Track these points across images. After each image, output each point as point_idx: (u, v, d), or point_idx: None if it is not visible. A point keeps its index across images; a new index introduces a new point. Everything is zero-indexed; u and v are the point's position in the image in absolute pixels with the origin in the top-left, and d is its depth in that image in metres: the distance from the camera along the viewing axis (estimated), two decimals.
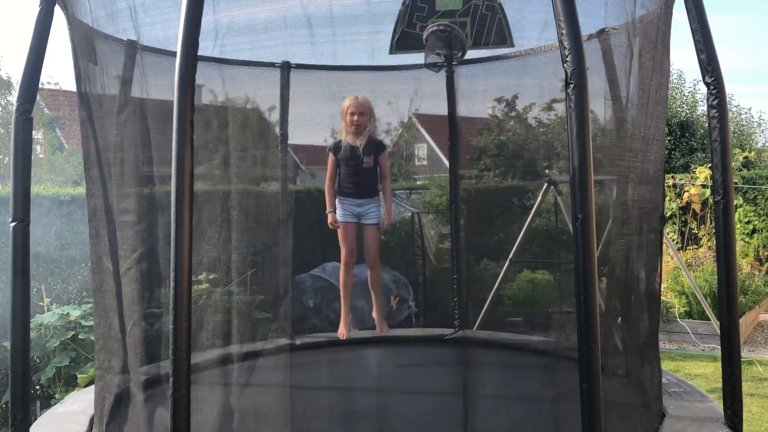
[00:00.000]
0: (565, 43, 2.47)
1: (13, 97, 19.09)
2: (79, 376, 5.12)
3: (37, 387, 5.48)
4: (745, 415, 4.85)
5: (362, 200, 4.28)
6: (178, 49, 2.40)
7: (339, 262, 7.69)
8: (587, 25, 3.17)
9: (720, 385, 3.51)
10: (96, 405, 3.55)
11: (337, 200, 4.38)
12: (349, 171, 4.28)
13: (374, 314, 4.30)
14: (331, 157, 4.39)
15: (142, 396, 3.50)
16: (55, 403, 4.53)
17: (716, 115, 3.31)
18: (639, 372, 3.67)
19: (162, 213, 3.73)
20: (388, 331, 4.21)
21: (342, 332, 4.20)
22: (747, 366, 6.90)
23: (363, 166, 4.26)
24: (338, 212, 4.35)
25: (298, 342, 5.39)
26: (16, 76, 22.64)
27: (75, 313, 5.50)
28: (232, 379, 4.09)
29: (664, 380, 4.13)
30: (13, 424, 3.20)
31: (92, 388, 4.11)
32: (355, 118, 4.25)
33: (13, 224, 3.13)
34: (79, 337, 5.39)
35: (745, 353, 7.48)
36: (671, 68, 17.90)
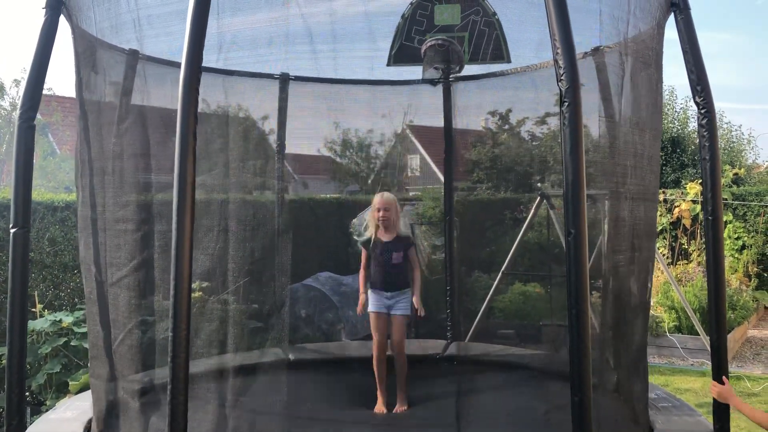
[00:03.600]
0: (560, 62, 2.53)
1: (6, 102, 19.06)
2: (70, 382, 5.11)
3: (28, 393, 5.46)
4: (733, 430, 4.90)
5: (392, 293, 4.47)
6: (183, 62, 2.45)
7: (331, 272, 7.77)
8: (581, 43, 3.23)
9: (709, 399, 3.55)
10: (93, 411, 3.56)
11: (368, 291, 4.60)
12: (379, 267, 4.50)
13: (398, 394, 4.42)
14: (363, 252, 4.63)
15: (136, 404, 3.51)
16: (46, 410, 4.53)
17: (706, 134, 3.39)
18: (629, 386, 3.71)
19: (158, 222, 3.77)
20: (403, 410, 4.33)
21: (380, 410, 4.34)
22: (735, 381, 6.96)
23: (392, 263, 4.47)
24: (370, 302, 4.56)
25: (291, 354, 5.41)
26: (8, 81, 22.63)
27: (67, 319, 5.49)
28: (225, 387, 4.11)
29: (653, 395, 4.18)
30: (8, 429, 3.21)
31: (85, 395, 4.13)
32: (381, 214, 4.48)
33: (13, 230, 3.15)
34: (71, 343, 5.38)
35: (734, 369, 7.54)
36: (663, 85, 18.10)
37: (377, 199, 4.56)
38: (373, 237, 4.56)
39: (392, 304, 4.47)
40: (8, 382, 3.24)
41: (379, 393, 4.39)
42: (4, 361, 5.12)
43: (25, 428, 3.41)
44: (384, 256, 4.49)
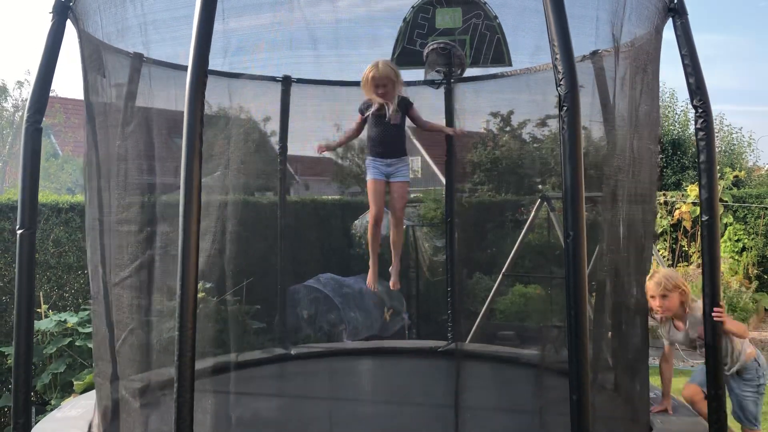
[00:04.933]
0: (559, 67, 2.57)
1: (8, 104, 19.13)
2: (75, 382, 5.15)
3: (33, 393, 5.51)
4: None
5: (391, 160, 4.28)
6: (189, 65, 2.49)
7: (333, 273, 7.81)
8: (578, 47, 3.28)
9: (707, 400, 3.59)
10: (97, 410, 3.60)
11: (366, 160, 4.41)
12: (377, 130, 4.26)
13: (391, 270, 4.36)
14: (359, 117, 4.39)
15: (138, 403, 3.55)
16: (51, 409, 4.57)
17: (704, 137, 3.44)
18: (628, 386, 3.75)
19: (162, 223, 3.81)
20: (398, 287, 4.33)
21: (370, 283, 4.31)
22: None
23: (390, 123, 4.23)
24: (368, 171, 4.36)
25: (293, 352, 5.46)
26: (11, 83, 22.68)
27: (72, 319, 5.54)
28: (227, 386, 4.15)
29: (652, 395, 4.21)
30: (15, 428, 3.25)
31: (89, 394, 4.17)
32: (380, 91, 4.22)
33: (20, 232, 3.20)
34: (76, 343, 5.42)
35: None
36: (664, 87, 18.13)
37: (371, 72, 4.22)
38: (367, 101, 4.32)
39: (392, 172, 4.28)
40: (15, 381, 3.28)
41: (371, 265, 4.34)
42: (10, 361, 5.19)
43: (32, 427, 3.45)
44: (382, 117, 4.24)
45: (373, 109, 4.24)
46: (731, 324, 3.70)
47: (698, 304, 3.76)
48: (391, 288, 4.32)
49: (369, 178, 4.33)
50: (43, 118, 3.35)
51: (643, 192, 3.57)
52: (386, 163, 4.28)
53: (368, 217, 4.49)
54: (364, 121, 4.36)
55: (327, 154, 7.63)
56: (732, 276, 10.34)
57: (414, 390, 4.59)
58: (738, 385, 3.88)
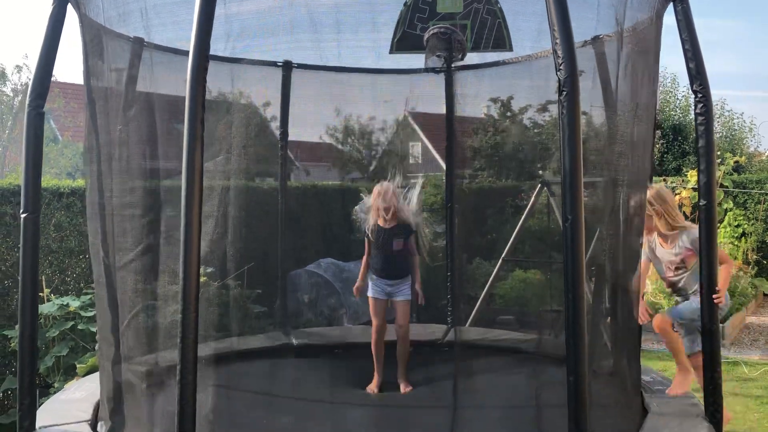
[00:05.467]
0: (559, 52, 2.59)
1: (7, 88, 19.06)
2: (78, 365, 5.20)
3: (36, 376, 5.56)
4: (729, 413, 4.99)
5: (393, 281, 4.50)
6: (191, 50, 2.51)
7: (333, 258, 7.84)
8: (579, 33, 3.28)
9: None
10: (100, 392, 3.65)
11: (369, 278, 4.62)
12: (380, 254, 4.51)
13: (399, 380, 4.46)
14: (366, 241, 4.64)
15: (143, 385, 3.59)
16: (54, 392, 4.62)
17: (703, 122, 3.46)
18: (624, 370, 3.79)
19: (165, 207, 3.83)
20: (410, 391, 4.37)
21: (372, 389, 4.39)
22: (732, 366, 7.04)
23: (393, 249, 4.48)
24: (370, 288, 4.57)
25: (294, 336, 5.50)
26: (10, 67, 22.61)
27: (74, 303, 5.58)
28: (229, 369, 4.20)
29: (649, 378, 4.26)
30: (20, 409, 3.30)
31: (93, 377, 4.22)
32: (381, 213, 4.49)
33: (24, 215, 3.23)
34: (78, 327, 5.47)
35: (732, 354, 7.63)
36: (666, 72, 18.07)
37: (375, 191, 4.55)
38: (374, 224, 4.56)
39: (393, 291, 4.49)
40: (20, 363, 3.32)
41: (375, 373, 4.44)
42: (13, 344, 5.23)
43: (36, 408, 3.50)
44: (385, 244, 4.48)
45: (376, 236, 4.49)
46: (721, 252, 3.78)
47: (693, 230, 3.83)
48: (403, 392, 4.37)
49: (370, 295, 4.54)
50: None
51: (641, 175, 3.60)
52: (388, 284, 4.49)
53: (371, 331, 4.56)
54: (371, 244, 4.60)
55: (327, 140, 7.65)
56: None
57: (414, 374, 4.63)
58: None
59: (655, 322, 4.08)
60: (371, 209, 4.57)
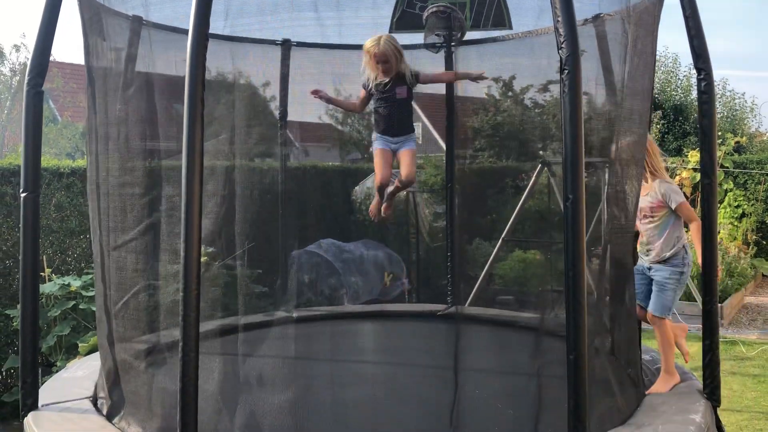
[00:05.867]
0: (561, 30, 2.57)
1: (5, 68, 18.96)
2: (80, 344, 5.24)
3: (39, 355, 5.59)
4: (726, 392, 5.05)
5: (398, 138, 4.21)
6: (190, 28, 2.49)
7: (334, 239, 7.85)
8: (581, 10, 3.26)
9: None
10: (101, 371, 3.67)
11: (373, 134, 4.34)
12: (383, 107, 4.17)
13: (388, 190, 4.34)
14: (362, 91, 4.31)
15: (143, 363, 3.62)
16: (57, 371, 4.65)
17: (706, 99, 3.46)
18: (624, 348, 3.81)
19: (164, 186, 3.83)
20: (389, 213, 4.33)
21: (373, 211, 4.35)
22: (730, 346, 7.10)
23: (396, 98, 4.13)
24: (374, 143, 4.29)
25: (295, 315, 5.53)
26: (8, 46, 22.45)
27: (75, 283, 5.60)
28: (230, 348, 4.22)
29: (648, 357, 4.29)
30: (23, 387, 3.32)
31: (95, 355, 4.24)
32: (381, 67, 4.11)
33: (24, 195, 3.23)
34: (80, 306, 5.50)
35: (730, 334, 7.68)
36: (667, 52, 17.98)
37: (372, 46, 4.09)
38: (373, 78, 4.20)
39: (399, 146, 4.23)
40: (22, 341, 3.35)
41: (376, 197, 4.40)
42: (15, 324, 5.26)
43: (39, 386, 3.52)
44: (387, 93, 4.14)
45: (376, 83, 4.14)
46: (687, 208, 3.87)
47: (670, 184, 3.92)
48: (383, 214, 4.32)
49: (376, 147, 4.26)
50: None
51: (638, 154, 3.60)
52: (393, 141, 4.24)
53: (373, 182, 4.42)
54: (368, 98, 4.29)
55: (327, 120, 7.61)
56: (731, 242, 10.40)
57: (415, 351, 4.67)
58: (662, 272, 3.94)
59: (648, 316, 4.07)
60: (367, 64, 4.18)
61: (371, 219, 4.56)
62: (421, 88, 6.61)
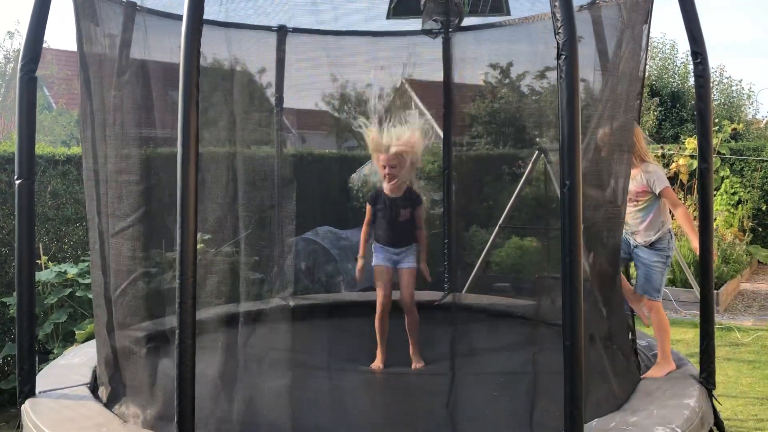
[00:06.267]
0: (558, 15, 2.55)
1: (0, 55, 18.82)
2: (76, 332, 5.24)
3: (35, 342, 5.59)
4: (721, 378, 5.08)
5: (399, 249, 4.22)
6: (185, 13, 2.47)
7: (331, 226, 7.85)
8: None
9: (698, 349, 3.68)
10: (98, 358, 3.68)
11: (373, 245, 4.31)
12: (386, 223, 4.19)
13: (411, 354, 4.22)
14: (368, 207, 4.31)
15: (141, 350, 3.62)
16: (54, 358, 4.66)
17: (702, 83, 3.48)
18: (620, 335, 3.83)
19: (160, 174, 3.82)
20: (421, 367, 4.15)
21: (378, 366, 4.14)
22: (726, 332, 7.13)
23: (400, 220, 4.18)
24: (375, 257, 4.29)
25: (292, 302, 5.54)
26: (1, 33, 22.23)
27: (72, 270, 5.59)
28: (227, 335, 4.22)
29: (644, 343, 4.31)
30: (20, 375, 3.32)
31: (91, 343, 4.24)
32: (387, 171, 4.06)
33: (18, 182, 3.21)
34: (76, 294, 5.49)
35: (725, 320, 7.72)
36: (665, 38, 17.90)
37: (377, 147, 4.05)
38: (381, 194, 4.22)
39: (399, 259, 4.22)
40: (18, 328, 3.34)
41: (378, 350, 4.20)
42: (12, 311, 5.26)
43: (36, 373, 3.53)
44: (391, 213, 4.17)
45: (381, 204, 4.16)
46: (671, 193, 3.93)
47: (655, 168, 3.95)
48: (414, 368, 4.16)
49: (376, 263, 4.24)
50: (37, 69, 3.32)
51: (629, 141, 3.61)
52: (394, 252, 4.21)
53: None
54: (374, 212, 4.27)
55: (324, 107, 7.58)
56: (727, 229, 10.43)
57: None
58: (649, 255, 3.98)
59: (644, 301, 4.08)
60: (373, 150, 4.09)
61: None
62: (417, 75, 6.61)
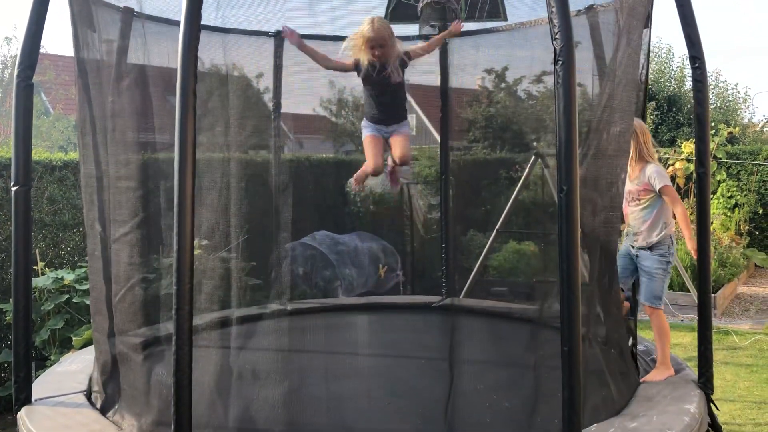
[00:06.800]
0: (555, 21, 2.56)
1: None
2: (73, 338, 5.22)
3: (32, 349, 5.57)
4: (719, 382, 5.08)
5: (392, 126, 3.90)
6: (182, 19, 2.47)
7: (328, 231, 7.85)
8: (575, 1, 3.25)
9: (696, 353, 3.68)
10: (95, 365, 3.66)
11: (363, 121, 3.99)
12: (375, 94, 3.83)
13: (389, 168, 4.02)
14: (348, 61, 3.89)
15: (138, 357, 3.61)
16: (51, 365, 4.64)
17: (700, 88, 3.49)
18: (618, 339, 3.83)
19: (160, 179, 3.81)
20: (397, 185, 4.03)
21: (357, 179, 3.95)
22: (723, 336, 7.13)
23: (391, 83, 3.79)
24: (364, 130, 3.96)
25: (289, 307, 5.53)
26: None
27: (69, 276, 5.57)
28: (225, 341, 4.21)
29: (642, 347, 4.31)
30: (16, 382, 3.31)
31: (88, 349, 4.23)
32: (377, 52, 3.72)
33: (15, 188, 3.20)
34: (73, 300, 5.47)
35: (723, 323, 7.72)
36: (661, 43, 17.96)
37: (367, 30, 3.73)
38: (363, 61, 3.82)
39: (391, 132, 3.93)
40: (15, 335, 3.33)
41: (362, 169, 4.00)
42: (9, 318, 5.24)
43: (32, 381, 3.51)
44: (381, 77, 3.77)
45: (366, 71, 3.80)
46: (671, 191, 3.91)
47: (657, 166, 3.95)
48: (391, 182, 4.01)
49: (366, 134, 3.95)
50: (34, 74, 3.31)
51: (624, 144, 3.62)
52: (385, 130, 3.95)
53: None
54: (349, 69, 3.92)
55: (321, 112, 7.58)
56: (724, 232, 10.44)
57: (410, 343, 4.67)
58: (650, 263, 3.98)
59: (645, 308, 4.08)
60: (354, 47, 3.82)
61: (353, 191, 4.26)
62: (414, 80, 6.62)
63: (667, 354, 3.91)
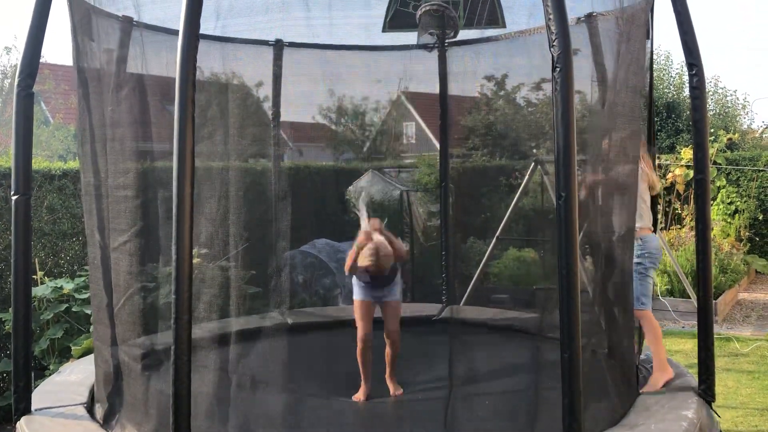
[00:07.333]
0: (552, 28, 2.56)
1: None
2: (73, 347, 5.21)
3: (32, 358, 5.55)
4: (721, 389, 5.06)
5: (383, 290, 4.08)
6: (181, 28, 2.47)
7: (328, 239, 7.84)
8: (573, 9, 3.26)
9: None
10: (96, 374, 3.65)
11: (354, 280, 4.16)
12: (369, 275, 4.03)
13: (388, 380, 4.09)
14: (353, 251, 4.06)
15: (138, 366, 3.60)
16: (50, 374, 4.62)
17: (698, 95, 3.49)
18: (619, 348, 3.81)
19: (159, 189, 3.81)
20: (400, 394, 4.00)
21: (359, 398, 3.95)
22: (725, 342, 7.11)
23: (384, 275, 4.02)
24: (355, 289, 4.13)
25: (289, 317, 5.52)
26: None
27: (68, 286, 5.56)
28: (225, 350, 4.20)
29: (643, 356, 4.29)
30: (15, 391, 3.30)
31: (88, 358, 4.22)
32: (370, 261, 3.94)
33: (15, 197, 3.21)
34: (73, 309, 5.46)
35: (724, 330, 7.70)
36: (659, 49, 18.00)
37: (369, 255, 3.93)
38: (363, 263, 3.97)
39: (383, 296, 4.08)
40: (14, 345, 3.32)
41: (363, 381, 4.02)
42: (8, 327, 5.23)
43: (32, 390, 3.50)
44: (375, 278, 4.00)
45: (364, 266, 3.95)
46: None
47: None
48: (393, 395, 4.02)
49: (356, 298, 4.07)
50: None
51: (633, 150, 3.61)
52: (377, 294, 4.07)
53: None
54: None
55: (321, 120, 7.60)
56: (724, 238, 10.43)
57: (408, 351, 4.65)
58: None
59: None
60: (361, 254, 3.98)
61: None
62: (413, 87, 6.64)
63: (663, 356, 3.89)
